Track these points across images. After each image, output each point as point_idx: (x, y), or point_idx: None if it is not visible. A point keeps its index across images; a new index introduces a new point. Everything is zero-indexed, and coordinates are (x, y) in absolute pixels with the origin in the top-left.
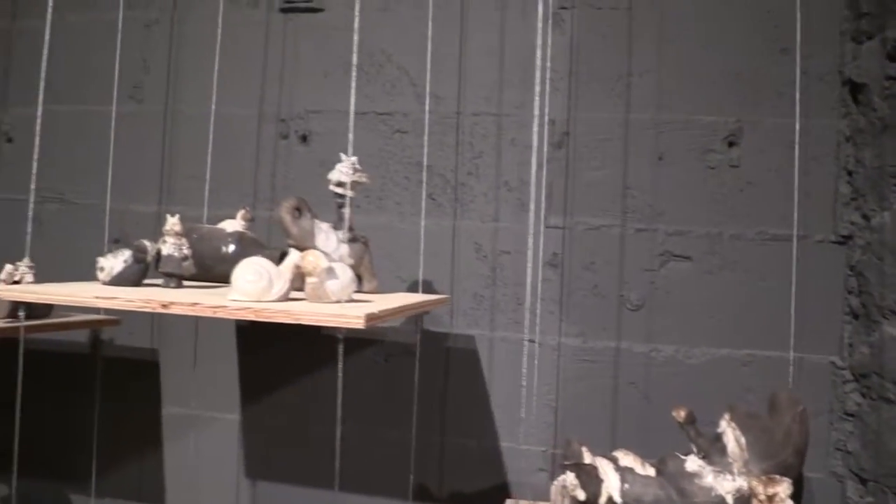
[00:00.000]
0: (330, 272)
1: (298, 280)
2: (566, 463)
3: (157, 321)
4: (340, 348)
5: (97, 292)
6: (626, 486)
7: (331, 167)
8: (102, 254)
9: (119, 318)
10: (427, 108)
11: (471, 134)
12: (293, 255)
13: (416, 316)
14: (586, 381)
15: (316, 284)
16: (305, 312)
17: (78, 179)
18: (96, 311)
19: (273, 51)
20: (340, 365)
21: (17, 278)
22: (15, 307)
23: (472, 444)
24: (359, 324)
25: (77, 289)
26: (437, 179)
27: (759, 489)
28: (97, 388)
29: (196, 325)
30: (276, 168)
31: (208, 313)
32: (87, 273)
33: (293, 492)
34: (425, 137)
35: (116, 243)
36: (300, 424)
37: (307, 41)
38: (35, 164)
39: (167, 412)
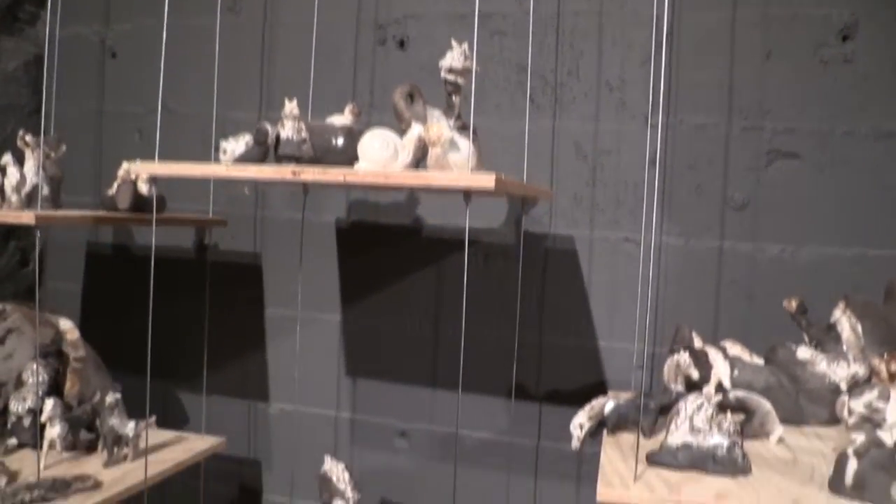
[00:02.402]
0: (453, 144)
1: (420, 153)
2: (678, 346)
3: (259, 225)
4: (465, 241)
5: (228, 166)
6: (736, 372)
7: (429, 71)
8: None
9: (225, 219)
10: (531, 8)
11: (571, 34)
12: (416, 128)
13: (515, 217)
14: (687, 280)
15: (439, 155)
16: (434, 176)
17: (178, 90)
18: (206, 211)
19: None
20: (466, 260)
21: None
22: (135, 199)
23: (569, 342)
24: (489, 185)
25: (207, 165)
26: (536, 80)
27: (882, 367)
28: (206, 291)
29: (301, 220)
30: (374, 74)
31: (339, 178)
32: None
33: (392, 389)
34: (529, 38)
35: None
36: (399, 324)
37: None
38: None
39: (270, 313)
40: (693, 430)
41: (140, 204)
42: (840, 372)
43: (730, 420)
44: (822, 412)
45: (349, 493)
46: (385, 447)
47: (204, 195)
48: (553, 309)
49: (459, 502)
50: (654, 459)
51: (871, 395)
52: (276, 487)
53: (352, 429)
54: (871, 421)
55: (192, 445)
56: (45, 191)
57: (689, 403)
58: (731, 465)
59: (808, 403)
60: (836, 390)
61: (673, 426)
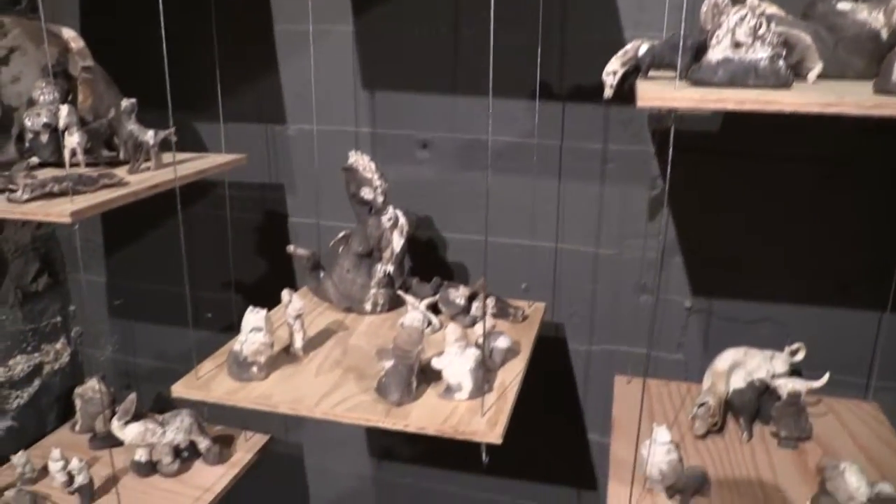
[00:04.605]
0: None
1: None
2: None
3: None
4: None
5: None
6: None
7: None
8: None
9: None
10: None
11: None
12: None
13: None
14: None
15: None
16: None
17: None
18: None
19: None
20: None
21: None
22: None
23: (594, 37)
24: None
25: None
26: None
27: None
28: (211, 9)
29: None
30: None
31: None
32: None
33: (412, 100)
34: None
35: None
36: (416, 29)
37: None
38: None
39: (280, 30)
40: (734, 44)
41: None
42: (881, 18)
43: (773, 31)
44: (860, 63)
45: (377, 182)
46: (407, 160)
47: None
48: (577, 1)
49: (483, 208)
50: (692, 77)
51: None
52: (302, 209)
53: (372, 143)
54: None
55: (214, 160)
56: None
57: (732, 16)
58: (774, 76)
59: (846, 55)
60: (875, 38)
61: (714, 41)
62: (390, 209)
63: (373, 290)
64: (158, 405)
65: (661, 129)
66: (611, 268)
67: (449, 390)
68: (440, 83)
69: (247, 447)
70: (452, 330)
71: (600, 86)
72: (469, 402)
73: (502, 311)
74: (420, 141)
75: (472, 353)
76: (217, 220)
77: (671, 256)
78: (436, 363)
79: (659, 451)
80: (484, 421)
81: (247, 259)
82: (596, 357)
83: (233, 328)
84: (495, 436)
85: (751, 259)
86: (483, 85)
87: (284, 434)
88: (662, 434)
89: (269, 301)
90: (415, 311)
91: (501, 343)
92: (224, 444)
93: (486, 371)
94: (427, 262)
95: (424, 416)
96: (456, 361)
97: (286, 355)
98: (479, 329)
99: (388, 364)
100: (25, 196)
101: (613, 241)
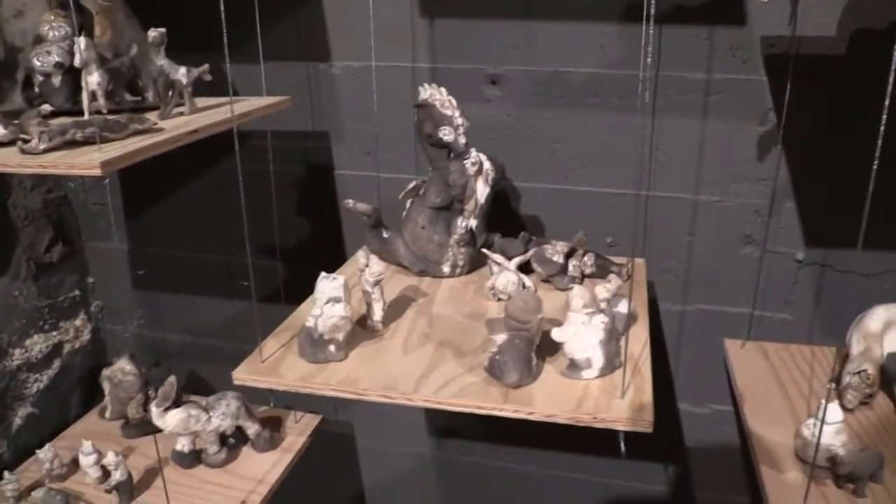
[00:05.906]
0: None
1: None
2: None
3: None
4: None
5: None
6: None
7: None
8: None
9: None
10: None
11: None
12: None
13: None
14: None
15: None
16: None
17: None
18: None
19: None
20: None
21: None
22: None
23: None
24: None
25: None
26: None
27: None
28: None
29: None
30: None
31: None
32: None
33: (478, 28)
34: None
35: None
36: None
37: None
38: None
39: None
40: None
41: None
42: None
43: None
44: None
45: (458, 119)
46: (473, 98)
47: None
48: None
49: (563, 149)
50: None
51: None
52: (349, 160)
53: (432, 80)
54: None
55: (256, 102)
56: None
57: None
58: None
59: None
60: None
61: None
62: (473, 152)
63: (451, 250)
64: (191, 384)
65: (778, 53)
66: (711, 217)
67: (574, 367)
68: (512, 6)
69: (297, 430)
70: (579, 294)
71: (703, 2)
72: (599, 380)
73: (602, 270)
74: (489, 76)
75: (601, 322)
76: (252, 176)
77: (782, 202)
78: (557, 335)
79: (828, 433)
80: (626, 404)
81: (288, 218)
82: (690, 318)
83: (277, 297)
84: (645, 423)
85: (877, 202)
86: (562, 5)
87: (333, 412)
88: (834, 412)
89: (317, 265)
90: (507, 273)
91: (623, 308)
92: (272, 428)
93: (616, 342)
94: (497, 216)
95: (551, 400)
96: (582, 332)
97: (362, 329)
98: (600, 293)
99: (502, 338)
100: (42, 145)
101: (715, 185)
